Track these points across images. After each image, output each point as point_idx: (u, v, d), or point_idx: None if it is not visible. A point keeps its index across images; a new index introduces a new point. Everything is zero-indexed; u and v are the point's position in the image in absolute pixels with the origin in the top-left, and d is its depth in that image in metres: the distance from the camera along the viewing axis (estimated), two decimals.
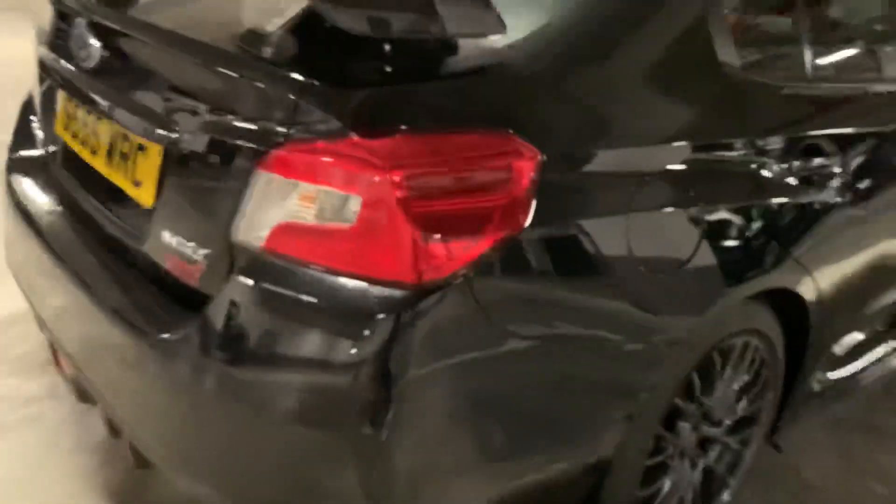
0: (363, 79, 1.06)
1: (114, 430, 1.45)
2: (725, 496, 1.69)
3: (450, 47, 1.09)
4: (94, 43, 1.36)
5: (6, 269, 1.75)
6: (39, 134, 1.73)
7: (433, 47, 1.08)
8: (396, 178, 1.01)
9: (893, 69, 1.83)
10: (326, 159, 1.03)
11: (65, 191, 1.57)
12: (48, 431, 1.91)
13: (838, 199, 1.58)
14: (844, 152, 1.60)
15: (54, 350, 1.61)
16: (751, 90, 1.44)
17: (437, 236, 1.03)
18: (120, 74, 1.35)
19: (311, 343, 1.06)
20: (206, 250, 1.17)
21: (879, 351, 2.02)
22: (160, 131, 1.24)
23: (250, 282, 1.10)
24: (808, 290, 1.56)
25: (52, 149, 1.64)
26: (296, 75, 1.06)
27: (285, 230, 1.07)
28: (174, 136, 1.21)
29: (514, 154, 1.08)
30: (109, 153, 1.39)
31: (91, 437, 1.88)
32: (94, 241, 1.46)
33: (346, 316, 1.04)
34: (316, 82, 1.04)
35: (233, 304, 1.11)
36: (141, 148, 1.30)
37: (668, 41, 1.30)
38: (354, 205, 1.02)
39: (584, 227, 1.16)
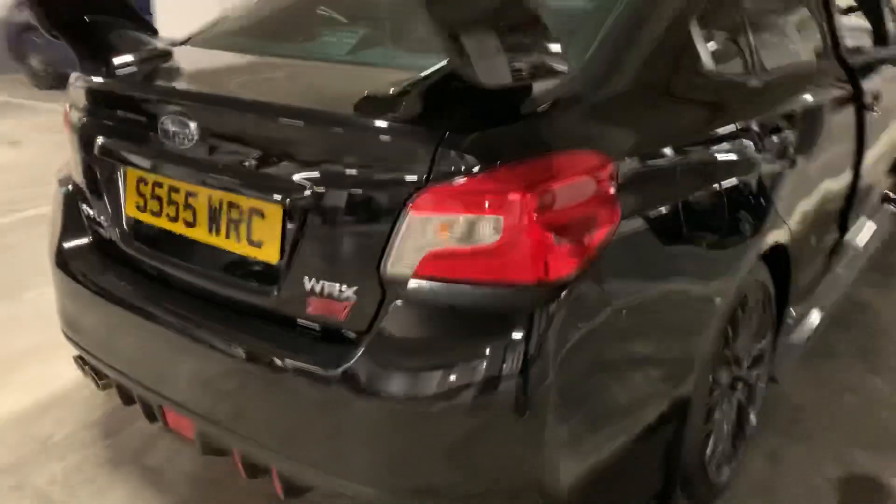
0: (481, 123, 1.29)
1: (252, 471, 1.59)
2: (753, 420, 2.03)
3: (534, 87, 1.34)
4: (193, 125, 1.50)
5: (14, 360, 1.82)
6: (97, 217, 1.82)
7: (524, 88, 1.32)
8: (530, 198, 1.25)
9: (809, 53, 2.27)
10: (468, 192, 1.25)
11: (152, 266, 1.70)
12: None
13: (792, 162, 1.96)
14: (793, 125, 1.99)
15: (164, 417, 1.72)
16: (727, 86, 1.79)
17: (563, 240, 1.28)
18: (224, 150, 1.50)
19: (475, 345, 1.28)
20: (353, 288, 1.36)
21: (830, 279, 2.46)
22: (277, 196, 1.42)
23: (409, 304, 1.30)
24: (788, 239, 1.93)
25: (119, 229, 1.75)
26: (426, 128, 1.28)
27: (435, 257, 1.29)
28: (299, 196, 1.39)
29: (599, 166, 1.35)
30: (213, 223, 1.54)
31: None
32: (200, 305, 1.60)
33: (500, 317, 1.27)
34: (446, 132, 1.27)
35: (396, 325, 1.31)
36: (256, 212, 1.47)
37: (671, 58, 1.62)
38: (497, 225, 1.25)
39: (655, 213, 1.45)
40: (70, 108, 1.89)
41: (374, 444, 1.37)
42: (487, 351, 1.27)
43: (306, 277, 1.41)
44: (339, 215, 1.37)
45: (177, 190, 1.60)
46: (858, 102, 2.43)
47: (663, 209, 1.47)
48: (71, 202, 1.92)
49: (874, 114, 2.50)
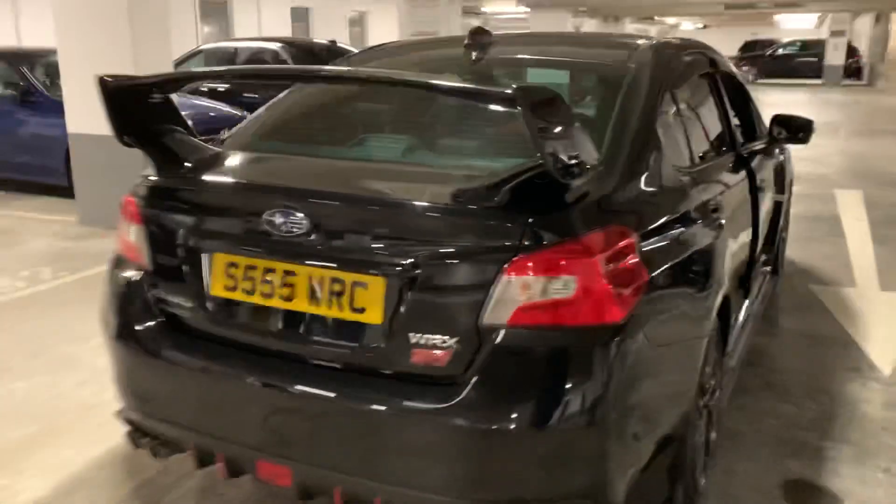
0: (554, 207, 1.73)
1: None
2: (714, 438, 2.51)
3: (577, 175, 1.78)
4: (300, 215, 1.83)
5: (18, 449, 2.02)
6: (173, 299, 2.07)
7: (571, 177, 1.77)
8: (594, 261, 1.69)
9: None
10: (549, 259, 1.67)
11: (244, 337, 1.97)
12: None
13: (724, 234, 2.52)
14: (723, 204, 2.56)
15: (256, 469, 1.96)
16: (682, 175, 2.33)
17: (619, 292, 1.72)
18: (328, 236, 1.83)
19: (557, 377, 1.68)
20: (454, 339, 1.72)
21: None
22: (379, 270, 1.77)
23: (503, 348, 1.69)
24: (731, 292, 2.48)
25: (203, 308, 2.01)
26: (514, 212, 1.70)
27: (523, 309, 1.68)
28: (401, 270, 1.75)
29: (630, 237, 1.82)
30: (313, 296, 1.86)
31: None
32: (294, 366, 1.89)
33: (582, 348, 1.68)
34: (530, 215, 1.69)
35: (492, 366, 1.69)
36: (359, 284, 1.81)
37: (652, 155, 2.14)
38: (572, 282, 1.68)
39: (664, 273, 1.93)
40: (139, 202, 2.14)
41: (473, 464, 1.71)
42: (568, 381, 1.68)
43: (410, 333, 1.76)
44: (440, 282, 1.74)
45: (272, 270, 1.91)
46: (752, 186, 3.09)
47: (668, 271, 1.96)
48: (137, 288, 2.15)
49: (764, 195, 3.18)
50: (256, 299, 1.94)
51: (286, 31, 16.03)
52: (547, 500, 1.72)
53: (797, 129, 3.54)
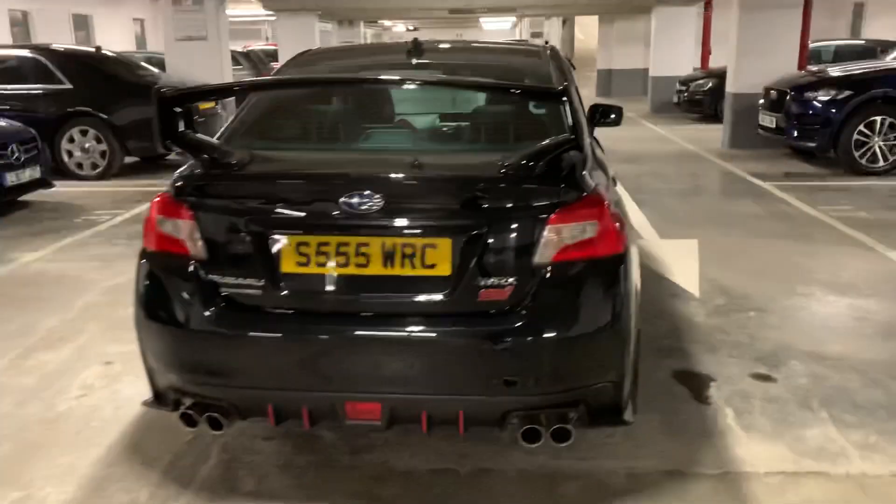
0: (573, 172, 2.35)
1: (431, 424, 2.33)
2: None
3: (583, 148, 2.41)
4: (377, 196, 2.25)
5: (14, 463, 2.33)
6: (237, 280, 2.35)
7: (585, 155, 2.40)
8: (609, 207, 2.35)
9: None
10: (579, 210, 2.30)
11: (321, 302, 2.33)
12: None
13: None
14: None
15: (345, 411, 2.33)
16: (598, 152, 3.08)
17: (619, 230, 2.40)
18: (399, 210, 2.28)
19: (594, 294, 2.31)
20: (512, 278, 2.28)
21: None
22: (446, 233, 2.26)
23: (552, 279, 2.28)
24: None
25: (274, 284, 2.32)
26: (551, 178, 2.30)
27: (564, 249, 2.29)
28: (466, 230, 2.26)
29: (608, 192, 2.51)
30: (388, 259, 2.29)
31: None
32: (373, 318, 2.31)
33: (604, 272, 2.33)
34: (562, 178, 2.31)
35: (546, 293, 2.28)
36: (429, 245, 2.28)
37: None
38: (595, 226, 2.32)
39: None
40: (188, 198, 2.38)
41: (541, 367, 2.29)
42: (599, 297, 2.32)
43: (475, 279, 2.28)
44: (497, 236, 2.28)
45: (347, 244, 2.30)
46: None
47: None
48: (191, 277, 2.39)
49: None
50: (332, 270, 2.31)
51: (6, 38, 14.51)
52: (590, 386, 2.35)
53: (611, 113, 4.50)
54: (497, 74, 3.17)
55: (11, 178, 6.51)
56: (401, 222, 2.29)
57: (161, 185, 8.33)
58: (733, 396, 3.19)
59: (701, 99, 13.70)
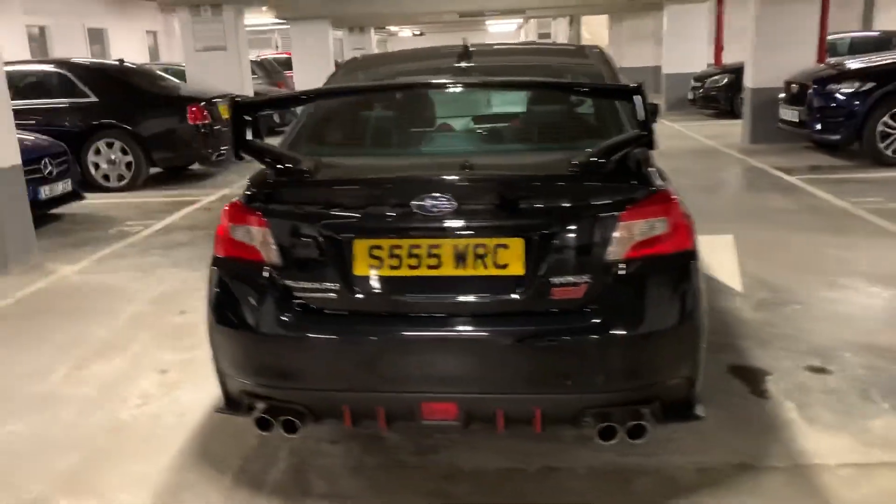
0: (642, 169, 2.38)
1: (508, 422, 2.35)
2: None
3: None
4: (449, 198, 2.27)
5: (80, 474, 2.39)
6: (310, 284, 2.38)
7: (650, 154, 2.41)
8: (678, 204, 2.36)
9: None
10: (649, 207, 2.32)
11: (393, 304, 2.35)
12: None
13: None
14: None
15: (421, 412, 2.35)
16: None
17: (689, 226, 2.41)
18: (472, 212, 2.30)
19: (667, 290, 2.33)
20: (585, 276, 2.30)
21: None
22: (519, 233, 2.28)
23: (625, 276, 2.30)
24: None
25: (348, 287, 2.35)
26: (622, 176, 2.32)
27: (636, 245, 2.31)
28: (538, 228, 2.28)
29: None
30: (461, 260, 2.31)
31: None
32: (447, 318, 2.33)
33: (676, 268, 2.34)
34: (632, 177, 2.33)
35: (619, 290, 2.29)
36: (501, 246, 2.30)
37: None
38: (666, 222, 2.33)
39: None
40: (261, 206, 2.42)
41: (618, 364, 2.30)
42: (673, 293, 2.33)
43: (548, 277, 2.30)
44: (570, 234, 2.29)
45: (419, 247, 2.32)
46: None
47: None
48: (266, 283, 2.42)
49: None
50: (404, 272, 2.34)
51: (24, 53, 14.63)
52: (665, 382, 2.36)
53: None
54: (549, 74, 3.19)
55: (45, 192, 6.58)
56: (472, 223, 2.31)
57: (187, 195, 8.47)
58: (791, 389, 3.19)
59: (716, 95, 13.69)
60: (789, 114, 9.07)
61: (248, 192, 2.48)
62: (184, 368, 3.69)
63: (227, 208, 2.52)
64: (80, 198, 7.19)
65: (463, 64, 3.11)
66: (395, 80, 3.21)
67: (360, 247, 2.35)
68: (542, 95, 3.03)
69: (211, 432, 3.05)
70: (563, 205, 2.32)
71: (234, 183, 9.00)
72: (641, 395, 2.34)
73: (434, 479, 2.66)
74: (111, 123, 8.55)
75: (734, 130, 11.01)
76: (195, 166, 9.90)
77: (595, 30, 28.57)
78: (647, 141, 2.29)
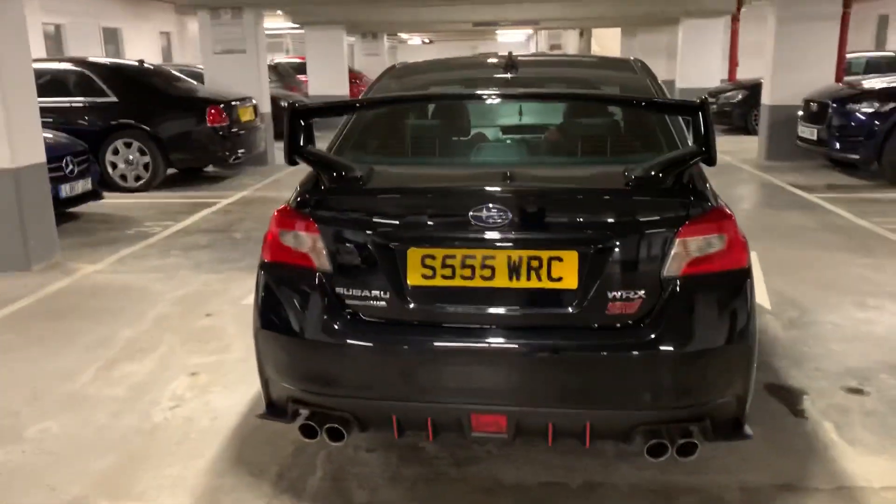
0: (698, 185, 2.36)
1: (559, 436, 2.33)
2: None
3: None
4: (505, 210, 2.26)
5: (117, 476, 2.35)
6: (363, 293, 2.36)
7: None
8: (734, 221, 2.35)
9: None
10: (707, 223, 2.30)
11: (444, 315, 2.33)
12: None
13: None
14: None
15: (471, 423, 2.33)
16: None
17: (744, 243, 2.39)
18: (527, 224, 2.28)
19: (722, 308, 2.31)
20: (640, 291, 2.28)
21: None
22: (573, 246, 2.27)
23: (680, 293, 2.28)
24: None
25: (400, 296, 2.33)
26: (680, 192, 2.31)
27: (692, 262, 2.29)
28: (593, 242, 2.27)
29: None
30: (514, 272, 2.29)
31: None
32: (497, 330, 2.31)
33: (731, 285, 2.33)
34: (690, 192, 2.31)
35: (674, 307, 2.28)
36: (555, 258, 2.28)
37: None
38: (723, 239, 2.32)
39: None
40: (314, 213, 2.40)
41: (672, 381, 2.28)
42: (728, 311, 2.31)
43: (603, 292, 2.28)
44: (625, 249, 2.28)
45: (473, 257, 2.31)
46: None
47: None
48: (318, 290, 2.40)
49: None
50: (457, 282, 2.32)
51: (40, 51, 14.67)
52: (717, 400, 2.34)
53: None
54: (599, 87, 3.19)
55: (66, 191, 6.57)
56: (527, 235, 2.30)
57: (205, 196, 8.48)
58: (829, 410, 3.17)
59: (730, 111, 13.69)
60: (808, 132, 9.06)
61: (299, 198, 2.46)
62: (214, 371, 3.67)
63: (276, 213, 2.50)
64: (100, 197, 7.19)
65: (509, 75, 3.11)
66: (444, 89, 3.20)
67: (414, 256, 2.33)
68: (594, 108, 3.02)
69: (245, 437, 3.03)
70: (620, 219, 2.31)
71: (251, 186, 9.00)
72: (693, 413, 2.32)
73: (475, 492, 2.64)
74: (130, 123, 8.56)
75: (749, 147, 11.01)
76: (210, 168, 9.91)
77: (605, 43, 28.63)
78: (708, 157, 2.28)
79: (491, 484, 2.68)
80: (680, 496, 2.59)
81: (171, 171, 9.04)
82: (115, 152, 8.58)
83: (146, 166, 8.63)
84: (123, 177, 8.65)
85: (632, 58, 3.46)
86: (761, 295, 4.60)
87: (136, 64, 9.41)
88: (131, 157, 8.60)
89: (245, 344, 3.90)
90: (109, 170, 8.57)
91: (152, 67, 9.66)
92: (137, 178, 8.66)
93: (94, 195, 7.08)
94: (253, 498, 2.62)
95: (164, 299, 4.79)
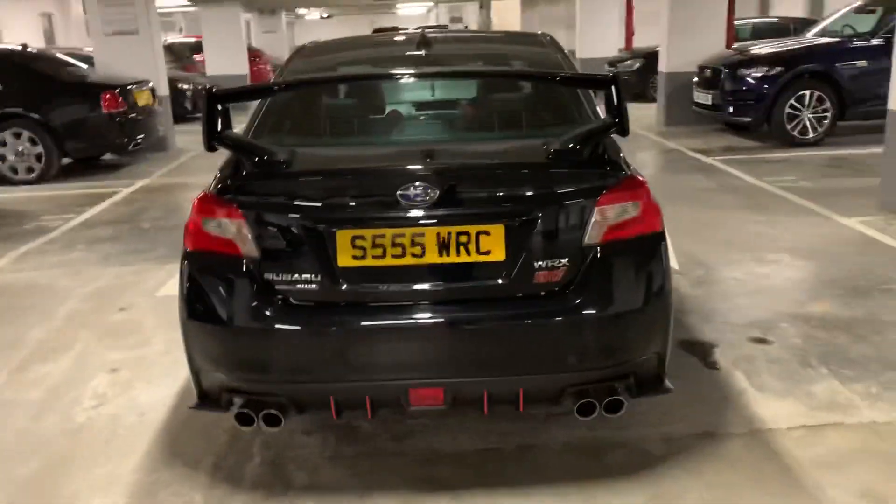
0: (613, 155, 2.46)
1: (493, 403, 2.41)
2: None
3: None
4: (432, 187, 2.29)
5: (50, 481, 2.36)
6: (292, 277, 2.36)
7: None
8: (648, 188, 2.46)
9: None
10: (623, 191, 2.41)
11: (377, 293, 2.36)
12: None
13: None
14: None
15: (408, 398, 2.38)
16: None
17: (658, 209, 2.52)
18: (453, 200, 2.32)
19: (640, 271, 2.43)
20: (564, 259, 2.37)
21: None
22: (500, 219, 2.33)
23: (600, 258, 2.39)
24: None
25: (331, 278, 2.34)
26: (597, 162, 2.40)
27: (610, 229, 2.40)
28: (518, 215, 2.34)
29: None
30: (444, 248, 2.34)
31: None
32: (432, 305, 2.36)
33: (648, 249, 2.45)
34: (606, 162, 2.41)
35: (595, 272, 2.38)
36: (483, 233, 2.34)
37: None
38: (637, 206, 2.43)
39: None
40: (238, 198, 2.37)
41: (598, 343, 2.39)
42: (647, 274, 2.43)
43: (529, 262, 2.36)
44: (549, 220, 2.36)
45: (402, 235, 2.34)
46: None
47: None
48: (246, 277, 2.38)
49: None
50: (388, 261, 2.35)
51: None
52: (640, 358, 2.46)
53: None
54: (511, 63, 3.25)
55: None
56: (454, 211, 2.34)
57: (105, 186, 8.13)
58: (738, 360, 3.39)
59: (629, 79, 14.09)
60: (703, 97, 9.47)
61: (220, 185, 2.43)
62: (135, 366, 3.58)
63: (197, 201, 2.45)
64: None
65: (423, 52, 3.12)
66: (362, 68, 3.20)
67: (343, 237, 2.34)
68: (508, 83, 3.08)
69: (176, 430, 2.98)
70: (542, 191, 2.38)
71: (153, 173, 8.69)
72: (618, 372, 2.44)
73: (415, 464, 2.69)
74: (17, 113, 8.09)
75: (648, 113, 11.40)
76: (108, 156, 9.50)
77: (504, 16, 28.87)
78: (621, 129, 2.38)
79: (429, 455, 2.75)
80: (609, 451, 2.72)
81: (66, 161, 8.61)
82: (3, 144, 8.11)
83: (39, 157, 8.19)
84: (14, 169, 8.19)
85: (540, 32, 3.54)
86: (670, 256, 4.82)
87: (19, 49, 8.86)
88: (21, 148, 8.15)
89: (165, 336, 3.82)
90: None
91: (37, 52, 9.13)
92: (30, 171, 8.22)
93: None
94: (189, 489, 2.59)
95: (74, 295, 4.61)
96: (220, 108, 2.34)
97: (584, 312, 2.36)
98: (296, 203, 2.37)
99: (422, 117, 3.12)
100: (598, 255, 2.39)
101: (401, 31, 3.27)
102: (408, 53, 3.23)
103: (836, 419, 2.87)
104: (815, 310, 3.92)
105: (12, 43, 9.86)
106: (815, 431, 2.80)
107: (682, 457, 2.68)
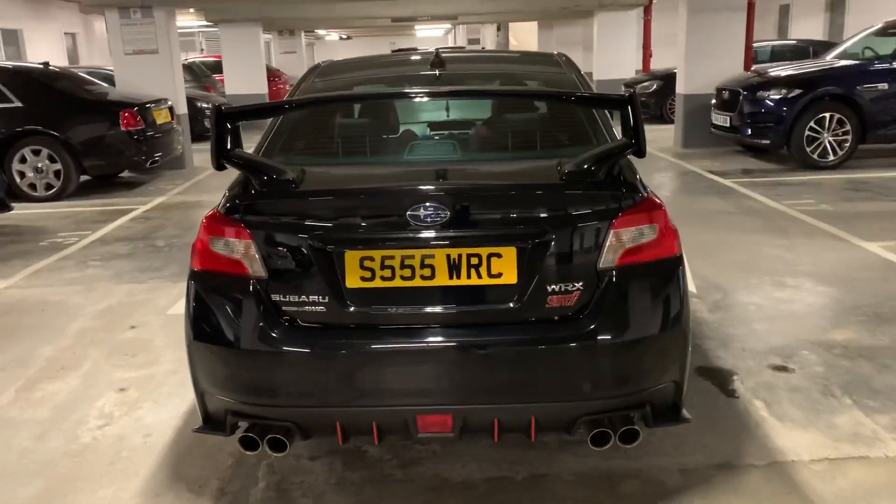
0: (630, 177, 2.40)
1: (503, 431, 2.34)
2: None
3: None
4: (443, 208, 2.24)
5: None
6: (300, 298, 2.31)
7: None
8: (664, 210, 2.40)
9: None
10: (640, 214, 2.34)
11: (386, 316, 2.30)
12: None
13: None
14: None
15: (416, 425, 2.31)
16: None
17: (675, 232, 2.45)
18: (465, 221, 2.27)
19: (656, 296, 2.36)
20: (578, 283, 2.30)
21: None
22: (512, 242, 2.27)
23: (616, 283, 2.32)
24: None
25: (339, 300, 2.29)
26: (613, 184, 2.34)
27: (626, 252, 2.33)
28: (531, 237, 2.28)
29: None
30: (454, 270, 2.28)
31: None
32: (443, 329, 2.30)
33: (665, 274, 2.38)
34: (622, 185, 2.35)
35: (610, 297, 2.31)
36: (495, 255, 2.28)
37: None
38: (655, 228, 2.36)
39: None
40: (245, 218, 2.33)
41: (613, 369, 2.31)
42: (663, 299, 2.36)
43: (542, 286, 2.30)
44: (562, 242, 2.30)
45: (412, 257, 2.28)
46: None
47: None
48: (253, 297, 2.33)
49: None
50: (397, 283, 2.29)
51: None
52: (656, 386, 2.38)
53: None
54: (524, 82, 3.20)
55: None
56: (465, 232, 2.29)
57: (122, 204, 8.19)
58: (758, 388, 3.29)
59: (646, 101, 14.05)
60: (721, 119, 9.39)
61: (229, 204, 2.39)
62: (143, 386, 3.54)
63: (205, 220, 2.42)
64: (8, 208, 6.81)
65: (437, 72, 3.09)
66: (375, 87, 3.17)
67: (352, 258, 2.29)
68: (522, 103, 3.03)
69: (181, 453, 2.93)
70: (556, 213, 2.33)
71: (170, 191, 8.72)
72: (633, 401, 2.36)
73: (423, 492, 2.62)
74: (37, 130, 8.16)
75: (665, 135, 11.33)
76: (126, 174, 9.56)
77: (522, 37, 28.95)
78: (638, 149, 2.32)
79: (438, 483, 2.67)
80: (622, 481, 2.64)
81: (84, 178, 8.67)
82: (23, 160, 8.18)
83: (57, 174, 8.25)
84: (33, 186, 8.25)
85: (556, 52, 3.50)
86: (688, 280, 4.73)
87: (41, 66, 8.96)
88: (40, 165, 8.21)
89: (174, 356, 3.78)
90: (17, 179, 8.16)
91: (59, 70, 9.23)
92: (49, 187, 8.28)
93: (2, 206, 6.71)
94: None
95: (85, 313, 4.59)
96: (229, 126, 2.31)
97: (598, 339, 2.29)
98: (304, 223, 2.33)
99: (435, 137, 3.08)
100: (614, 279, 2.32)
101: (417, 52, 3.23)
102: (422, 73, 3.20)
103: (860, 452, 2.77)
104: (838, 337, 3.82)
105: (34, 62, 9.97)
106: (837, 465, 2.70)
107: (698, 489, 2.59)
